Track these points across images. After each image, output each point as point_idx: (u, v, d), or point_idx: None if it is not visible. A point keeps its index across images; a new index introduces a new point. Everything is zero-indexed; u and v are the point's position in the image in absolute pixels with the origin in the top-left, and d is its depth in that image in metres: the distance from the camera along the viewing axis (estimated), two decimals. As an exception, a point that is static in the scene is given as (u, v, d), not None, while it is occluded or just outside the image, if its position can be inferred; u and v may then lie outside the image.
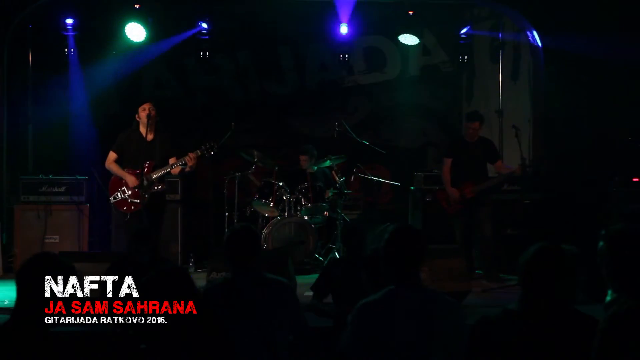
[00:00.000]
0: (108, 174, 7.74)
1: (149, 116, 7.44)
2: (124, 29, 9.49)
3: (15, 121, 10.03)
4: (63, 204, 9.08)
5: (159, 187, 7.54)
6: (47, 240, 8.92)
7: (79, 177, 9.20)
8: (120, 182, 7.54)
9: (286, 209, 9.09)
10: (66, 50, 9.70)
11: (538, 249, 3.07)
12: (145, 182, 7.35)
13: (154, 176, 7.46)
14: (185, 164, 7.47)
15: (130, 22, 9.45)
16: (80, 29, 9.76)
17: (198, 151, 7.52)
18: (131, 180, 7.45)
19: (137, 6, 9.44)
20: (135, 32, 9.54)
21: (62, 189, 9.13)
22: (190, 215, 9.63)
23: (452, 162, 8.51)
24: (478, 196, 8.34)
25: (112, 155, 7.61)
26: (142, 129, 7.50)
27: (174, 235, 8.94)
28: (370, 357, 3.40)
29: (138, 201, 7.40)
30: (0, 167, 9.47)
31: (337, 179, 9.55)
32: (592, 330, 3.00)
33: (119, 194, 7.52)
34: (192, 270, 9.00)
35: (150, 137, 7.51)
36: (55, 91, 10.38)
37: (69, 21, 9.66)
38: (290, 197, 9.12)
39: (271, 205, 9.10)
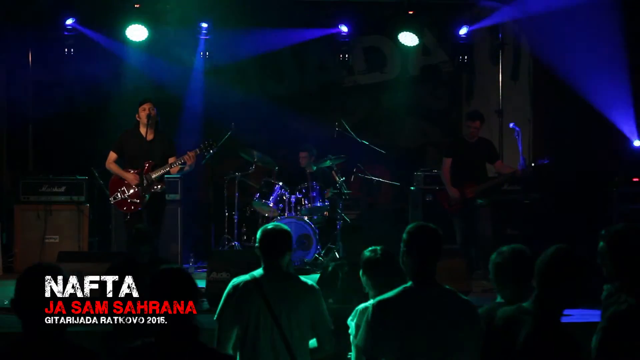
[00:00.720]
0: (108, 173, 7.74)
1: (149, 116, 7.44)
2: (124, 28, 9.49)
3: (15, 121, 10.04)
4: (63, 204, 9.08)
5: (159, 186, 7.55)
6: (47, 240, 8.92)
7: (79, 177, 9.20)
8: (120, 182, 7.54)
9: (286, 209, 9.09)
10: (66, 50, 9.69)
11: (555, 251, 3.07)
12: (145, 182, 7.35)
13: (154, 176, 7.46)
14: (184, 163, 7.47)
15: (131, 23, 9.45)
16: (80, 29, 9.75)
17: (197, 149, 7.53)
18: (131, 177, 7.45)
19: (137, 6, 9.43)
20: (136, 32, 9.53)
21: (62, 189, 9.13)
22: (190, 215, 9.63)
23: (452, 162, 8.51)
24: (478, 196, 8.34)
25: (112, 155, 7.61)
26: (142, 129, 7.50)
27: (174, 235, 8.94)
28: (388, 354, 3.41)
29: (138, 201, 7.40)
30: (0, 167, 9.47)
31: (337, 179, 9.55)
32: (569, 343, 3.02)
33: (119, 194, 7.52)
34: (192, 270, 9.01)
35: (150, 136, 7.51)
36: (55, 90, 10.38)
37: (69, 21, 9.66)
38: (290, 197, 9.12)
39: (271, 205, 9.10)
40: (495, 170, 8.66)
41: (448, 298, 3.47)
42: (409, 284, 3.50)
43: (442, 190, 8.65)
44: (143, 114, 7.48)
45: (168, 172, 7.60)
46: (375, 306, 3.49)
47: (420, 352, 3.37)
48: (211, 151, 7.72)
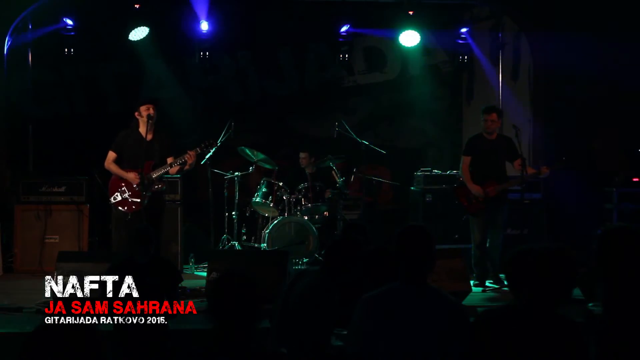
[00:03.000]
0: (108, 174, 7.73)
1: (150, 116, 7.40)
2: (124, 28, 9.49)
3: (15, 121, 10.04)
4: (63, 204, 9.08)
5: (159, 186, 7.53)
6: (47, 240, 8.93)
7: (79, 177, 9.20)
8: (120, 182, 7.51)
9: (286, 209, 9.10)
10: (66, 50, 9.69)
11: (520, 251, 3.08)
12: (145, 182, 7.34)
13: (154, 175, 7.44)
14: (184, 162, 7.44)
15: (132, 23, 9.46)
16: (80, 29, 9.76)
17: (197, 149, 7.51)
18: (132, 177, 7.40)
19: (137, 6, 9.44)
20: (137, 31, 9.54)
21: (62, 189, 9.13)
22: (190, 215, 9.63)
23: (471, 160, 8.20)
24: (500, 197, 8.06)
25: (111, 155, 7.56)
26: (142, 128, 7.48)
27: (174, 235, 8.94)
28: (371, 350, 3.42)
29: (139, 200, 7.37)
30: (0, 167, 9.47)
31: (337, 179, 9.55)
32: (570, 333, 3.00)
33: (118, 194, 7.49)
34: (192, 270, 9.01)
35: (149, 136, 7.47)
36: (55, 91, 10.38)
37: (69, 21, 9.66)
38: (290, 197, 9.12)
39: (271, 205, 9.11)
40: (515, 169, 8.39)
41: (434, 297, 3.48)
42: (397, 282, 3.52)
43: (462, 187, 8.30)
44: (145, 113, 7.44)
45: (167, 172, 7.58)
46: (360, 303, 3.52)
47: (403, 349, 3.38)
48: (211, 150, 7.72)
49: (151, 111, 7.41)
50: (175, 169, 7.54)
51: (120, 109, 10.56)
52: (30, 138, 10.27)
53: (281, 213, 9.10)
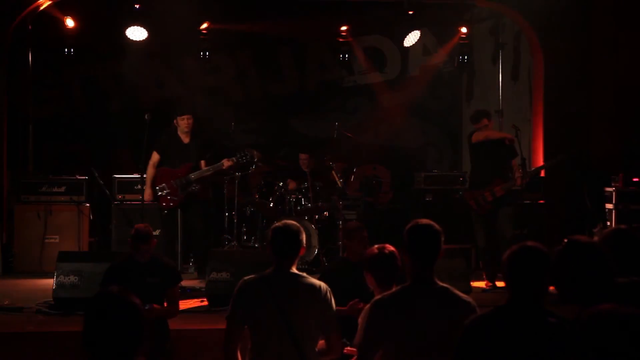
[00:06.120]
0: (108, 174, 7.78)
1: (188, 125, 8.12)
2: (124, 28, 9.49)
3: (15, 121, 10.05)
4: (63, 204, 9.08)
5: (196, 187, 8.16)
6: (47, 240, 8.92)
7: (79, 177, 9.21)
8: (164, 178, 8.10)
9: (286, 209, 9.09)
10: (66, 50, 9.69)
11: (518, 249, 3.06)
12: (184, 181, 8.03)
13: (193, 177, 8.09)
14: (219, 168, 8.21)
15: (131, 22, 9.46)
16: (80, 29, 9.75)
17: (234, 158, 8.22)
18: (147, 194, 8.06)
19: (137, 6, 9.43)
20: (136, 32, 9.54)
21: (62, 189, 9.13)
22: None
23: (476, 161, 8.15)
24: (505, 197, 7.99)
25: (155, 156, 8.20)
26: (181, 134, 8.16)
27: (174, 235, 8.92)
28: (384, 352, 3.41)
29: (176, 199, 8.07)
30: (1, 167, 9.48)
31: (337, 179, 9.54)
32: (564, 328, 2.99)
33: (161, 190, 8.09)
34: (192, 270, 9.00)
35: (186, 140, 8.18)
36: (55, 91, 10.38)
37: (69, 21, 9.65)
38: (290, 197, 9.12)
39: (271, 205, 9.10)
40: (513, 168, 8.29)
41: (445, 297, 3.45)
42: (407, 283, 3.49)
43: (469, 191, 8.23)
44: (183, 123, 8.13)
45: (204, 175, 8.21)
46: (372, 305, 3.49)
47: (417, 351, 3.37)
48: (244, 160, 8.35)
49: (188, 121, 8.13)
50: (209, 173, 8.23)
51: (120, 109, 10.58)
52: (30, 138, 10.27)
53: (281, 213, 9.09)
